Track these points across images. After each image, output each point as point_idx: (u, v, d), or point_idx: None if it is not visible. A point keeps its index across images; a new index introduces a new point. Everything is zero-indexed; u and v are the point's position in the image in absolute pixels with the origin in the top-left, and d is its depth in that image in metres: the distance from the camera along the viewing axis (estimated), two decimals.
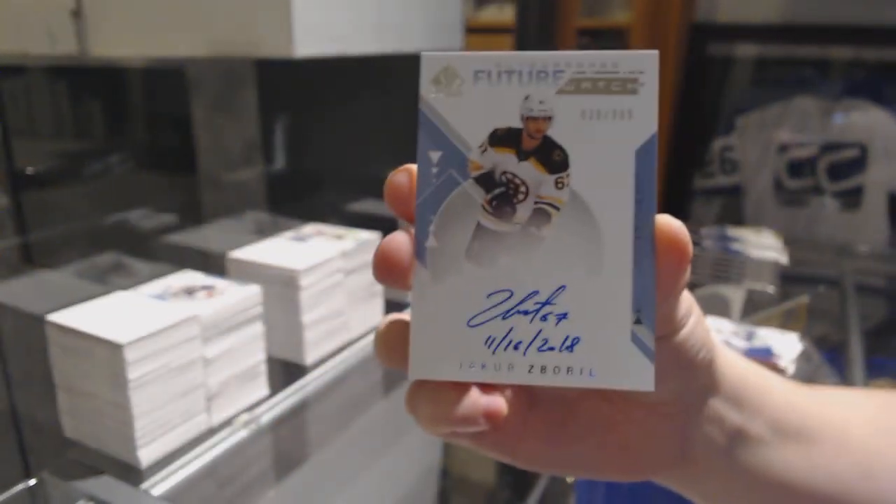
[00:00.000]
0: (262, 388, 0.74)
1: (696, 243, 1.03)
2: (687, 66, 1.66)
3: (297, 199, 1.03)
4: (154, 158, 1.03)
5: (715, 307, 0.95)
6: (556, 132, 0.20)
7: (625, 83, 0.20)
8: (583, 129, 0.20)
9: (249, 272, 0.79)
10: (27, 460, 0.66)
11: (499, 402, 0.20)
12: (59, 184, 0.96)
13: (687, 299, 0.22)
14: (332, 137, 1.06)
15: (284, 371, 0.79)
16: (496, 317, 0.20)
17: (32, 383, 0.69)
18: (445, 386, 0.20)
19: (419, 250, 0.20)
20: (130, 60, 0.95)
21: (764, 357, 0.78)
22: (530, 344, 0.20)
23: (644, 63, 0.20)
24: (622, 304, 0.20)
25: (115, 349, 0.59)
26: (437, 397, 0.20)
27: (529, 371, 0.20)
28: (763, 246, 1.07)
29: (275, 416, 0.73)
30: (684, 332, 0.22)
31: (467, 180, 0.20)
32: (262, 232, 0.97)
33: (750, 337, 0.81)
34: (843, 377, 0.81)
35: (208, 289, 0.71)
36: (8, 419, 0.68)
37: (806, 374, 0.80)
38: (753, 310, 0.96)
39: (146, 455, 0.62)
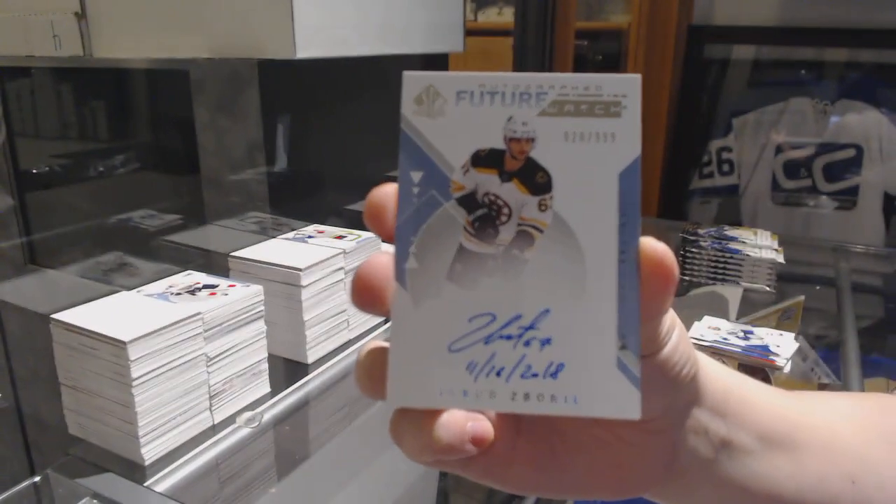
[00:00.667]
0: (264, 387, 0.75)
1: (693, 243, 1.04)
2: (684, 68, 1.67)
3: (298, 199, 1.03)
4: (157, 159, 1.03)
5: (712, 306, 0.96)
6: (539, 154, 0.20)
7: (608, 106, 0.20)
8: (566, 151, 0.20)
9: (251, 271, 0.80)
10: (32, 457, 0.67)
11: (485, 428, 0.20)
12: (64, 184, 0.96)
13: (669, 316, 0.22)
14: (334, 138, 1.06)
15: (286, 369, 0.80)
16: (478, 342, 0.20)
17: (37, 381, 0.70)
18: (429, 413, 0.20)
19: (399, 272, 0.20)
20: (134, 62, 0.95)
21: (761, 356, 0.78)
22: (513, 370, 0.20)
23: (627, 86, 0.20)
24: (607, 328, 0.19)
25: (118, 347, 0.59)
26: (421, 425, 0.20)
27: (512, 398, 0.19)
28: (760, 246, 1.08)
29: (276, 413, 0.73)
30: (668, 349, 0.22)
31: (449, 201, 0.20)
32: (264, 232, 0.98)
33: (747, 336, 0.82)
34: (840, 376, 0.81)
35: (211, 288, 0.71)
36: (13, 417, 0.68)
37: (802, 372, 0.81)
38: (750, 309, 0.96)
39: (149, 452, 0.63)
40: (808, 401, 0.29)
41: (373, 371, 0.20)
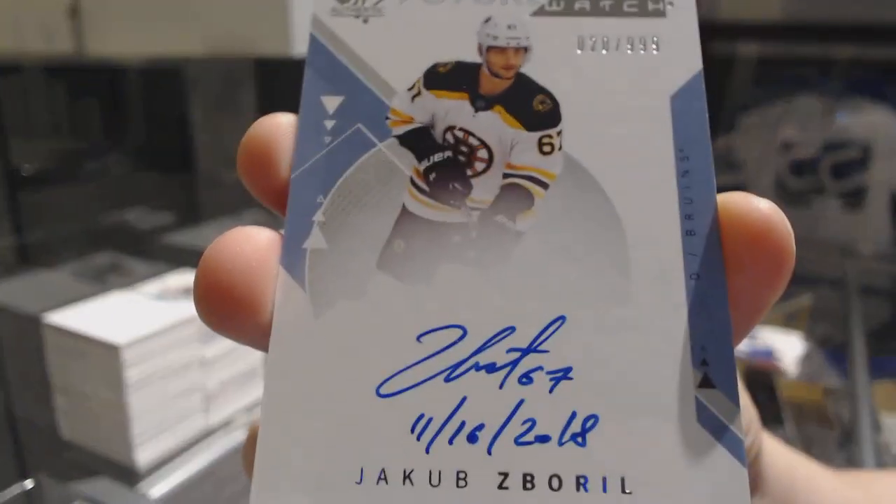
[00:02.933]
0: (259, 389, 0.74)
1: None
2: None
3: None
4: (152, 158, 1.03)
5: None
6: (537, 69, 0.13)
7: (645, 2, 0.14)
8: (580, 64, 0.13)
9: None
10: (24, 462, 0.66)
11: None
12: (56, 183, 0.96)
13: None
14: None
15: None
16: (435, 377, 0.11)
17: (29, 385, 0.69)
18: None
19: (292, 255, 0.12)
20: (128, 59, 0.94)
21: (766, 358, 0.77)
22: (501, 429, 0.11)
23: None
24: (673, 350, 0.11)
25: (112, 351, 0.58)
26: None
27: (501, 485, 0.11)
28: None
29: None
30: None
31: (387, 139, 0.13)
32: None
33: (752, 337, 0.81)
34: (846, 378, 0.80)
35: None
36: (4, 421, 0.68)
37: (808, 374, 0.80)
38: None
39: (143, 456, 0.62)
40: (865, 482, 0.25)
41: (250, 448, 0.13)
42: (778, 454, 0.19)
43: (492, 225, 0.12)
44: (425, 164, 0.13)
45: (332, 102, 0.13)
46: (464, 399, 0.11)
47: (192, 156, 0.99)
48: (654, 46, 0.13)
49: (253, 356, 0.72)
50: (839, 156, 1.54)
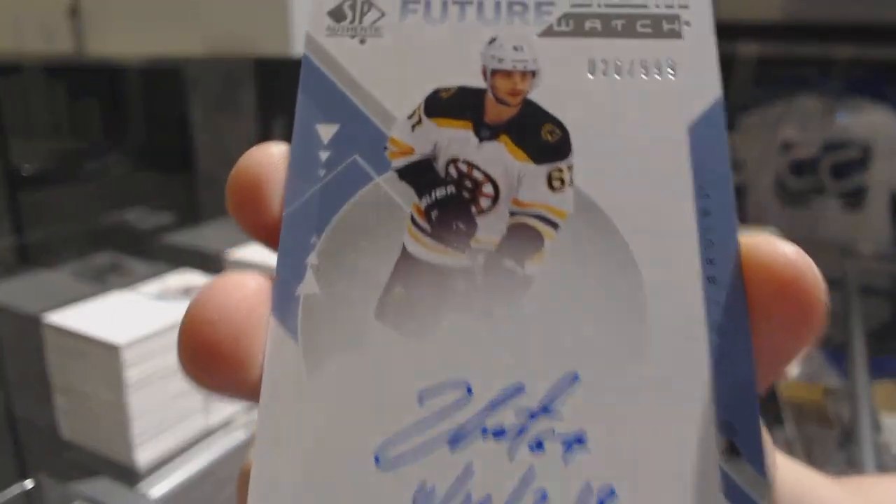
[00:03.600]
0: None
1: None
2: None
3: None
4: (152, 158, 1.03)
5: None
6: (545, 95, 0.12)
7: (659, 21, 0.13)
8: (592, 90, 0.12)
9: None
10: (24, 462, 0.66)
11: None
12: (56, 183, 0.96)
13: None
14: None
15: None
16: (437, 443, 0.11)
17: (29, 384, 0.69)
18: None
19: (283, 303, 0.11)
20: (128, 59, 0.94)
21: None
22: (511, 502, 0.10)
23: None
24: (695, 412, 0.10)
25: (112, 351, 0.58)
26: None
27: None
28: None
29: None
30: None
31: (385, 173, 0.12)
32: None
33: None
34: (846, 378, 0.80)
35: None
36: (4, 421, 0.68)
37: (808, 374, 0.80)
38: None
39: (143, 457, 0.62)
40: (868, 491, 0.24)
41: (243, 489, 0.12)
42: (785, 470, 0.19)
43: (498, 269, 0.12)
44: (426, 200, 0.12)
45: (326, 131, 0.12)
46: (469, 467, 0.10)
47: (192, 156, 0.99)
48: (670, 71, 0.12)
49: None
50: (839, 156, 1.54)
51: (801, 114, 1.57)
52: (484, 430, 0.11)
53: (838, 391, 0.77)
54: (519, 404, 0.11)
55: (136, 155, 1.03)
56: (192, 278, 0.73)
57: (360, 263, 0.12)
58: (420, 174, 0.12)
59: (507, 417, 0.11)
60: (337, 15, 0.13)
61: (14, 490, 0.59)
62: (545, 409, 0.11)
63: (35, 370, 0.65)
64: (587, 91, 0.12)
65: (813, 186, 1.57)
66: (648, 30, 0.13)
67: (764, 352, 0.11)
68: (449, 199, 0.12)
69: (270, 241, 0.12)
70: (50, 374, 0.64)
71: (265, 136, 0.96)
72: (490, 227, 0.12)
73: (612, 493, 0.10)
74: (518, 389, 0.11)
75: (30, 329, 0.65)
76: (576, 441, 0.10)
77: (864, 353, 0.84)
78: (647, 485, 0.10)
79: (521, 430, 0.11)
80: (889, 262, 1.29)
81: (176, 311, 0.64)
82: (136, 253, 0.83)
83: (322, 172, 0.12)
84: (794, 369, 0.78)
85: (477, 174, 0.12)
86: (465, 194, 0.12)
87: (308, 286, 0.11)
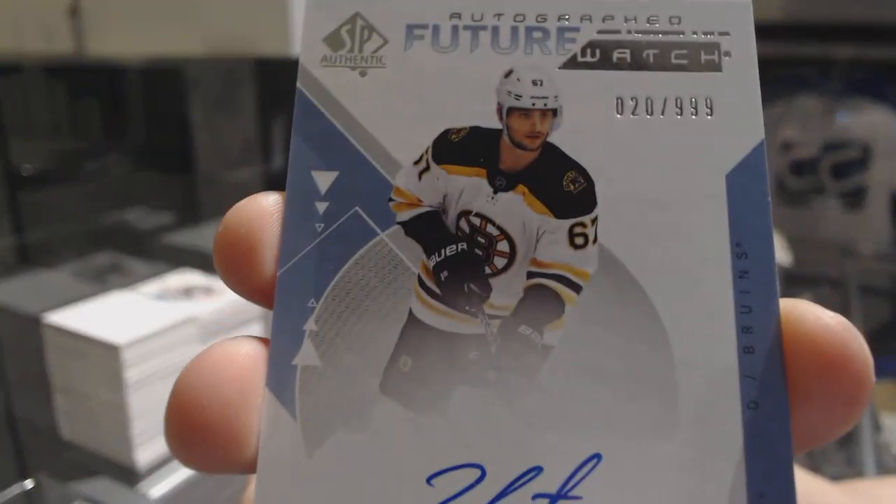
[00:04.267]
0: None
1: None
2: None
3: None
4: (152, 158, 1.03)
5: None
6: (567, 138, 0.11)
7: (696, 52, 0.11)
8: (620, 133, 0.11)
9: None
10: (24, 462, 0.66)
11: None
12: (56, 183, 0.96)
13: None
14: None
15: None
16: None
17: (29, 384, 0.69)
18: None
19: (279, 375, 0.10)
20: (128, 59, 0.94)
21: None
22: None
23: (731, 17, 0.11)
24: (728, 498, 0.10)
25: (112, 351, 0.58)
26: None
27: None
28: None
29: None
30: None
31: (389, 228, 0.11)
32: None
33: None
34: None
35: (206, 289, 0.70)
36: (4, 421, 0.68)
37: None
38: None
39: (143, 457, 0.62)
40: (869, 494, 0.24)
41: None
42: (812, 490, 0.17)
43: (514, 338, 0.10)
44: (435, 259, 0.11)
45: (324, 179, 0.11)
46: None
47: (193, 156, 1.00)
48: (707, 110, 0.11)
49: None
50: (839, 156, 1.54)
51: (801, 114, 1.57)
52: None
53: None
54: (536, 488, 0.10)
55: (136, 155, 1.02)
56: (192, 278, 0.73)
57: (364, 330, 0.10)
58: (428, 229, 0.11)
59: (523, 499, 0.10)
60: (334, 42, 0.11)
61: (14, 490, 0.60)
62: (564, 495, 0.10)
63: (35, 370, 0.65)
64: (615, 133, 0.11)
65: (813, 186, 1.57)
66: (684, 61, 0.11)
67: (801, 431, 0.10)
68: (460, 258, 0.11)
69: (265, 302, 0.11)
70: (50, 374, 0.64)
71: (265, 136, 0.96)
72: (505, 290, 0.11)
73: None
74: (536, 471, 0.10)
75: (30, 329, 0.65)
76: None
77: None
78: None
79: None
80: (889, 262, 1.29)
81: (176, 312, 0.64)
82: (136, 253, 0.83)
83: (320, 227, 0.11)
84: None
85: (491, 229, 0.11)
86: (479, 252, 0.11)
87: (306, 356, 0.10)
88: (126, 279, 0.76)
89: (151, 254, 0.86)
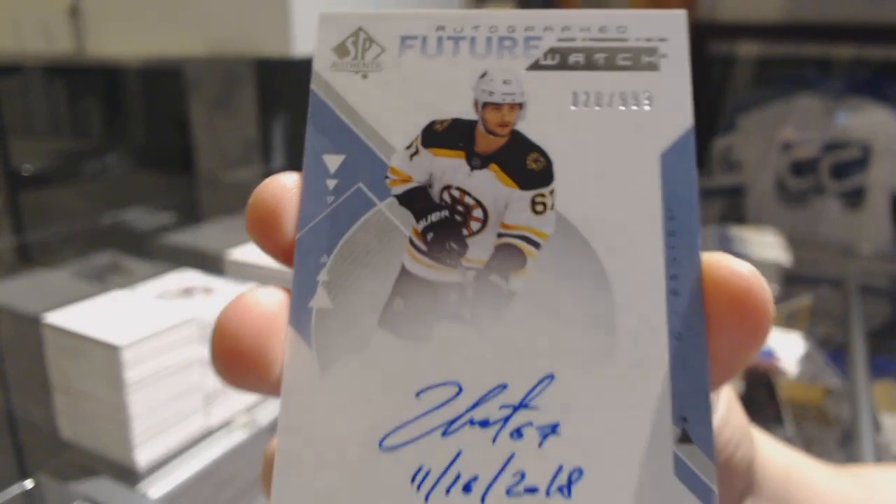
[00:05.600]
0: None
1: None
2: None
3: None
4: (152, 158, 1.03)
5: None
6: (531, 126, 0.13)
7: (638, 55, 0.13)
8: (574, 121, 0.13)
9: (248, 272, 0.79)
10: (23, 462, 0.66)
11: None
12: (56, 183, 0.96)
13: None
14: None
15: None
16: (433, 431, 0.12)
17: (29, 384, 0.69)
18: None
19: (299, 314, 0.13)
20: (128, 59, 0.94)
21: (766, 358, 0.77)
22: (494, 481, 0.12)
23: (667, 26, 0.13)
24: (654, 407, 0.12)
25: (112, 351, 0.58)
26: None
27: None
28: (765, 246, 1.06)
29: (273, 416, 0.72)
30: (716, 423, 0.16)
31: (386, 199, 0.13)
32: None
33: None
34: (846, 377, 0.80)
35: (206, 289, 0.70)
36: (4, 421, 0.68)
37: (809, 375, 0.80)
38: None
39: (143, 457, 0.62)
40: (869, 480, 0.25)
41: (269, 480, 0.13)
42: (773, 455, 0.19)
43: (486, 284, 0.13)
44: (423, 223, 0.13)
45: (333, 161, 0.14)
46: (459, 452, 0.12)
47: (192, 156, 0.99)
48: (646, 102, 0.13)
49: None
50: (839, 156, 1.54)
51: (802, 114, 1.57)
52: (472, 422, 0.12)
53: (838, 391, 0.77)
54: (502, 400, 0.12)
55: (135, 155, 1.03)
56: (192, 278, 0.73)
57: (365, 279, 0.13)
58: (417, 200, 0.13)
59: (492, 411, 0.12)
60: (341, 51, 0.14)
61: (14, 490, 0.60)
62: (524, 405, 0.12)
63: (35, 370, 0.65)
64: (570, 122, 0.13)
65: (813, 186, 1.57)
66: (628, 62, 0.13)
67: (717, 356, 0.12)
68: (443, 223, 0.13)
69: (286, 260, 0.13)
70: (50, 374, 0.64)
71: (265, 135, 0.96)
72: (479, 247, 0.13)
73: (580, 473, 0.12)
74: (502, 388, 0.12)
75: (30, 329, 0.65)
76: (550, 430, 0.12)
77: (864, 353, 0.84)
78: (610, 466, 0.12)
79: (504, 422, 0.12)
80: (889, 262, 1.29)
81: (176, 312, 0.64)
82: (136, 253, 0.83)
83: (330, 199, 0.13)
84: (794, 369, 0.78)
85: (468, 200, 0.13)
86: (458, 218, 0.13)
87: (320, 300, 0.13)
88: (126, 279, 0.76)
89: (151, 254, 0.86)
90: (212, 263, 0.81)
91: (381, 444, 0.12)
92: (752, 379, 0.75)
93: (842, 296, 1.03)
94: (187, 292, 0.69)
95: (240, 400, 0.71)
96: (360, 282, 0.13)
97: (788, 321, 0.90)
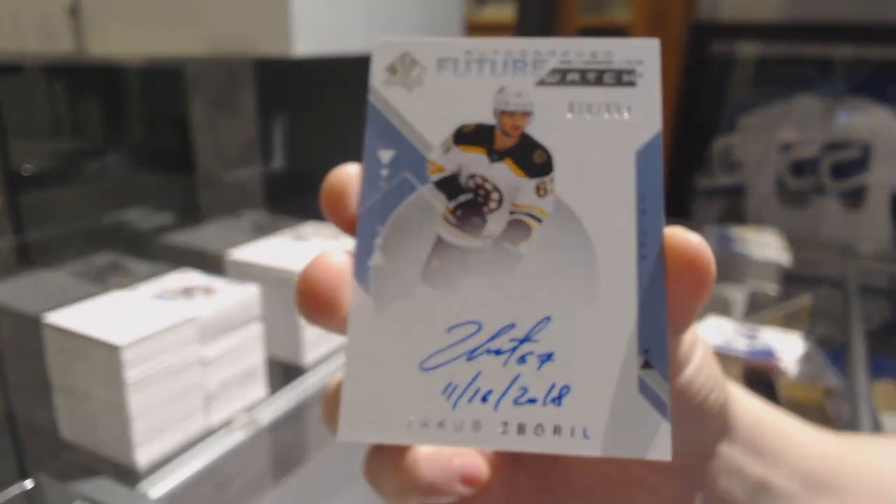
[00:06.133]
0: (260, 389, 0.74)
1: None
2: (688, 65, 1.65)
3: (295, 198, 1.03)
4: (152, 158, 1.03)
5: (717, 308, 0.95)
6: (537, 130, 0.17)
7: (620, 75, 0.17)
8: (570, 125, 0.17)
9: (248, 272, 0.79)
10: (23, 462, 0.66)
11: (477, 464, 0.17)
12: (57, 183, 0.96)
13: (690, 330, 0.18)
14: (331, 136, 1.06)
15: (283, 371, 0.79)
16: (459, 357, 0.16)
17: (29, 384, 0.69)
18: (408, 448, 0.17)
19: (360, 270, 0.17)
20: (128, 59, 0.94)
21: (766, 358, 0.77)
22: (504, 394, 0.16)
23: (643, 52, 0.17)
24: (625, 341, 0.16)
25: (112, 351, 0.58)
26: (398, 462, 0.17)
27: (503, 431, 0.16)
28: (765, 246, 1.06)
29: (273, 416, 0.72)
30: (690, 370, 0.18)
31: (426, 184, 0.17)
32: (261, 231, 0.97)
33: (752, 337, 0.81)
34: (846, 378, 0.80)
35: (206, 289, 0.70)
36: (4, 421, 0.68)
37: (808, 374, 0.80)
38: (756, 310, 0.95)
39: (143, 456, 0.62)
40: (850, 440, 0.26)
41: (336, 402, 0.17)
42: (749, 405, 0.22)
43: (500, 249, 0.17)
44: (454, 203, 0.17)
45: (385, 155, 0.17)
46: (479, 373, 0.16)
47: (192, 156, 0.99)
48: (626, 111, 0.17)
49: (252, 357, 0.72)
50: (839, 156, 1.54)
51: (802, 114, 1.57)
52: (488, 351, 0.16)
53: (838, 391, 0.77)
54: (511, 335, 0.16)
55: (136, 155, 1.03)
56: (192, 278, 0.73)
57: (410, 245, 0.17)
58: (449, 185, 0.17)
59: (503, 343, 0.16)
60: (391, 69, 0.18)
61: (14, 490, 0.60)
62: (528, 339, 0.16)
63: (35, 370, 0.65)
64: (566, 126, 0.17)
65: (813, 186, 1.57)
66: (613, 80, 0.17)
67: (673, 303, 0.16)
68: (469, 203, 0.17)
69: (350, 229, 0.17)
70: (50, 375, 0.64)
71: (265, 135, 0.96)
72: (496, 222, 0.17)
73: (568, 388, 0.16)
74: (511, 326, 0.16)
75: (30, 329, 0.65)
76: (547, 358, 0.16)
77: (864, 353, 0.84)
78: (591, 384, 0.16)
79: (512, 351, 0.16)
80: (889, 262, 1.29)
81: (176, 312, 0.64)
82: (136, 253, 0.83)
83: (383, 185, 0.17)
84: (793, 369, 0.78)
85: (488, 185, 0.17)
86: (480, 199, 0.17)
87: (376, 259, 0.17)
88: (126, 279, 0.76)
89: (151, 254, 0.86)
90: (212, 263, 0.81)
91: (420, 365, 0.16)
92: (752, 378, 0.75)
93: (842, 296, 1.03)
94: (187, 292, 0.69)
95: (240, 400, 0.71)
96: (406, 246, 0.17)
97: (788, 321, 0.91)
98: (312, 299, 0.16)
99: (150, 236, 0.92)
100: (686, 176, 1.70)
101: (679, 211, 1.68)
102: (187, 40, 0.71)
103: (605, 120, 0.17)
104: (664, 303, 0.16)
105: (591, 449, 0.15)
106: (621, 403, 0.15)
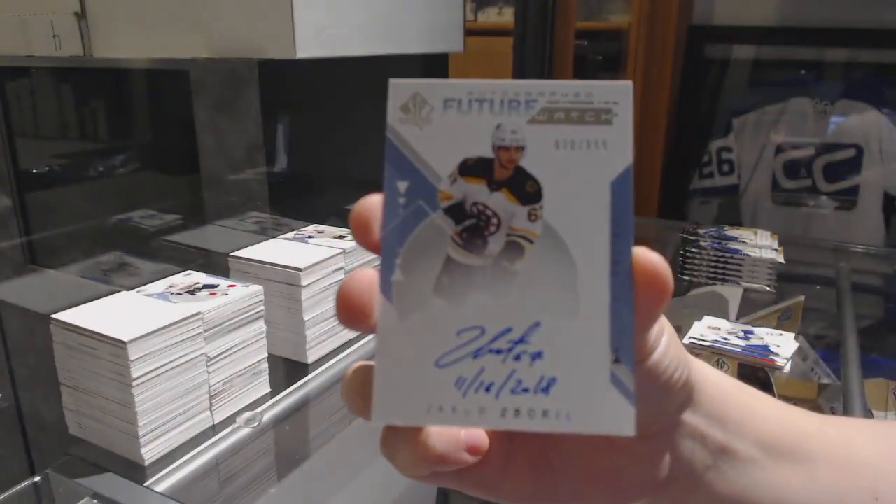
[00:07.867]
0: (264, 387, 0.75)
1: (693, 243, 1.04)
2: (684, 68, 1.67)
3: (298, 199, 1.03)
4: (157, 159, 1.03)
5: (712, 306, 0.96)
6: (528, 162, 0.20)
7: (599, 114, 0.20)
8: (556, 159, 0.20)
9: (252, 271, 0.80)
10: (32, 457, 0.67)
11: (480, 436, 0.20)
12: (64, 184, 0.96)
13: (658, 321, 0.21)
14: (334, 138, 1.06)
15: (286, 369, 0.80)
16: (466, 356, 0.19)
17: (37, 381, 0.70)
18: (420, 427, 0.20)
19: (385, 285, 0.20)
20: (134, 62, 0.95)
21: (761, 356, 0.78)
22: (503, 385, 0.19)
23: (618, 94, 0.20)
24: (599, 342, 0.19)
25: (118, 347, 0.59)
26: (412, 438, 0.20)
27: (502, 415, 0.19)
28: (760, 246, 1.08)
29: (277, 413, 0.73)
30: (657, 355, 0.22)
31: (436, 211, 0.20)
32: (264, 232, 0.97)
33: (747, 336, 0.82)
34: (839, 376, 0.81)
35: (211, 288, 0.71)
36: (13, 417, 0.68)
37: (802, 372, 0.81)
38: (750, 309, 0.96)
39: (149, 452, 0.62)
40: (823, 417, 0.28)
41: (361, 389, 0.20)
42: (713, 379, 0.25)
43: (499, 267, 0.20)
44: (460, 227, 0.20)
45: (402, 186, 0.20)
46: (483, 368, 0.19)
47: (197, 157, 1.00)
48: (603, 147, 0.20)
49: (256, 354, 0.73)
50: (832, 157, 1.55)
51: (795, 116, 1.59)
52: (490, 350, 0.19)
53: (831, 388, 0.79)
54: (508, 338, 0.19)
55: (141, 156, 1.03)
56: (197, 277, 0.74)
57: (424, 264, 0.20)
58: (456, 212, 0.20)
59: (502, 344, 0.19)
60: (404, 109, 0.20)
61: (23, 485, 0.60)
62: (522, 340, 0.19)
63: (43, 368, 0.65)
64: (553, 160, 0.20)
65: (806, 187, 1.59)
66: (592, 119, 0.20)
67: (639, 311, 0.19)
68: (473, 227, 0.20)
69: (376, 250, 0.20)
70: (58, 372, 0.64)
71: (268, 137, 0.97)
72: (495, 243, 0.20)
73: (555, 380, 0.19)
74: (509, 330, 0.19)
75: (38, 327, 0.65)
76: (537, 356, 0.19)
77: (857, 351, 0.85)
78: (572, 377, 0.19)
79: (509, 350, 0.19)
80: (881, 262, 1.31)
81: (182, 310, 0.65)
82: (142, 253, 0.84)
83: (401, 211, 0.20)
84: (788, 367, 0.79)
85: (488, 212, 0.20)
86: (482, 223, 0.20)
87: (398, 276, 0.20)
88: (132, 278, 0.76)
89: (157, 253, 0.86)
90: (217, 263, 0.82)
91: (436, 363, 0.19)
92: (747, 376, 0.76)
93: (835, 294, 1.05)
94: (192, 291, 0.70)
95: (244, 396, 0.72)
96: (421, 265, 0.20)
97: (782, 319, 0.92)
98: (348, 309, 0.19)
99: (155, 236, 0.92)
100: (682, 177, 1.72)
101: (675, 211, 1.70)
102: (192, 44, 0.71)
103: (586, 154, 0.20)
104: (632, 310, 0.19)
105: (572, 427, 0.19)
106: (596, 391, 0.19)
